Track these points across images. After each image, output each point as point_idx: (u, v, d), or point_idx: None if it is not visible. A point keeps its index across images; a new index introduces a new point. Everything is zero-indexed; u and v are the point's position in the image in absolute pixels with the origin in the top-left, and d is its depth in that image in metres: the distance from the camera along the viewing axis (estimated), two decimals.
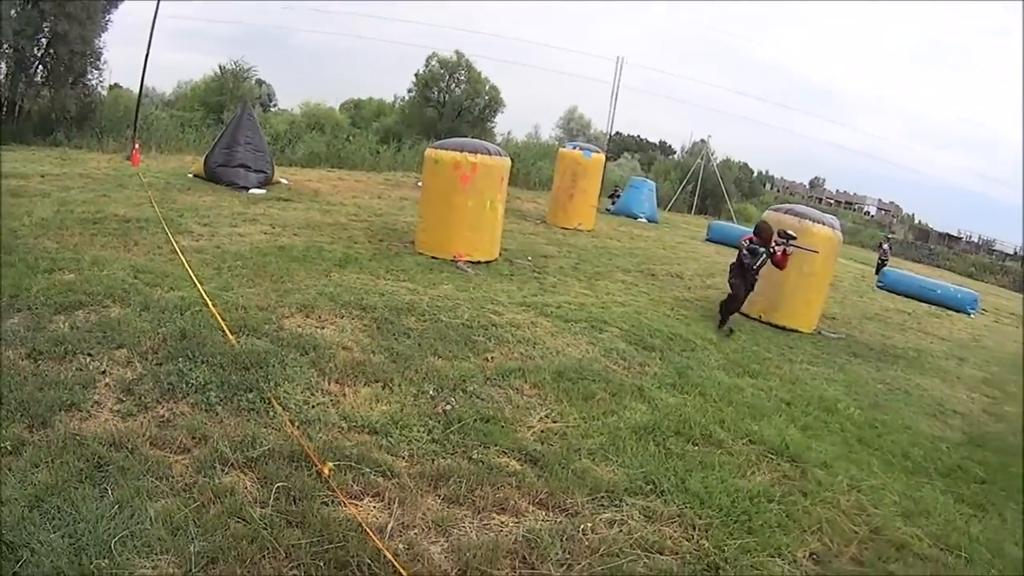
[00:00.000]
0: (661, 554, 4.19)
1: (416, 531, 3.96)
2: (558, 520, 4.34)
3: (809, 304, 11.74)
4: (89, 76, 24.23)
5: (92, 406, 4.69)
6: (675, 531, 4.47)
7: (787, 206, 12.67)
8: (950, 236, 67.19)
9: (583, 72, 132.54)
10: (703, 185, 40.97)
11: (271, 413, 4.96)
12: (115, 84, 31.39)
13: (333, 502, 4.03)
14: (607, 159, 26.88)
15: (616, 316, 9.55)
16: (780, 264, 10.40)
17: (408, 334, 7.12)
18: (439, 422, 5.30)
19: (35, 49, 22.32)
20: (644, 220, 27.18)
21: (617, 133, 70.31)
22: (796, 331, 11.41)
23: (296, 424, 4.84)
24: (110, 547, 3.34)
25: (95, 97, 24.83)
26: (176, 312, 6.51)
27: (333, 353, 6.22)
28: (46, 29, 21.91)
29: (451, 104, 41.10)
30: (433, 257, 11.36)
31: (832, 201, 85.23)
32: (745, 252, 10.20)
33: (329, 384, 5.63)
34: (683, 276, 15.10)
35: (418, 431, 5.09)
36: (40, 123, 22.47)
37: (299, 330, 6.65)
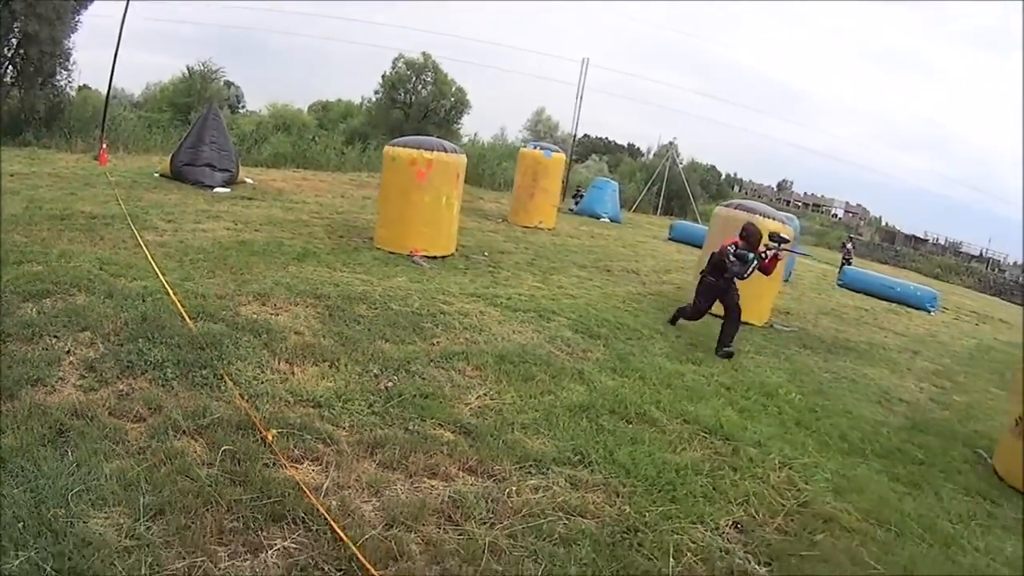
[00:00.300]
0: (582, 517, 4.52)
1: (350, 491, 4.30)
2: (485, 485, 4.69)
3: (760, 298, 12.03)
4: (58, 77, 24.36)
5: (56, 381, 5.00)
6: (598, 497, 4.81)
7: (737, 202, 13.15)
8: (916, 238, 68.26)
9: (551, 75, 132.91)
10: (668, 186, 41.53)
11: (223, 388, 5.30)
12: (84, 85, 31.57)
13: (274, 464, 4.38)
14: (574, 161, 27.28)
15: (565, 307, 9.93)
16: (769, 270, 9.88)
17: (359, 320, 7.47)
18: (380, 397, 5.66)
19: (5, 50, 22.48)
20: (607, 220, 27.57)
21: (585, 135, 71.00)
22: (747, 324, 11.59)
23: (245, 397, 5.19)
24: (67, 500, 3.65)
25: (64, 97, 24.92)
26: (138, 299, 6.80)
27: (285, 336, 6.56)
28: (16, 29, 22.04)
29: (417, 105, 41.62)
30: (390, 252, 11.68)
31: (800, 203, 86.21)
32: (732, 259, 9.40)
33: (279, 363, 5.98)
34: (639, 272, 15.47)
35: (359, 405, 5.45)
36: (9, 123, 22.33)
37: (254, 316, 6.98)
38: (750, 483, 5.53)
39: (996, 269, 59.28)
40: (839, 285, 23.30)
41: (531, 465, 5.07)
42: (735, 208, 12.26)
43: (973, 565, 5.08)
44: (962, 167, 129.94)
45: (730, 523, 4.87)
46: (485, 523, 4.26)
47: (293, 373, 5.87)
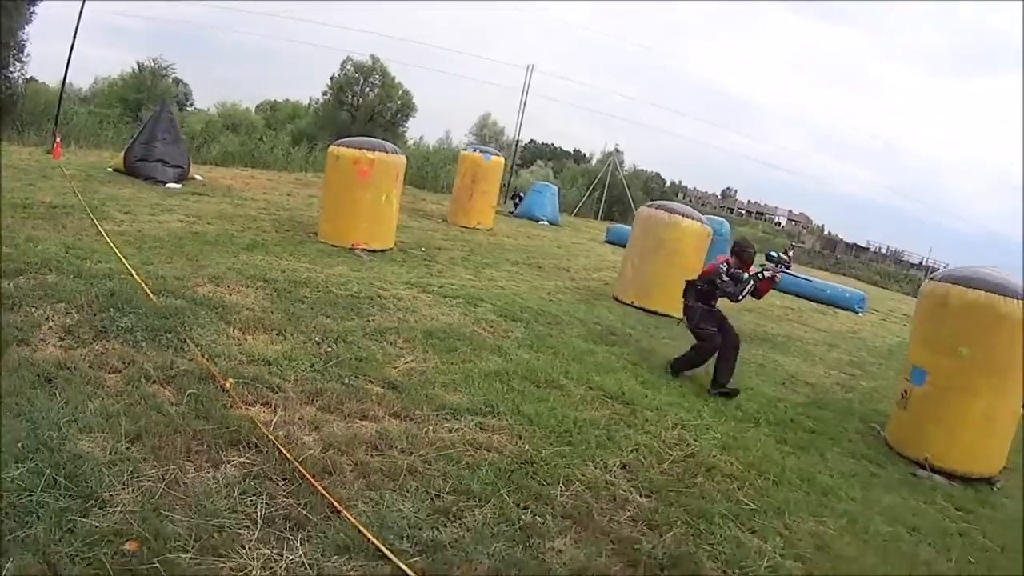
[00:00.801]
0: (487, 451, 5.45)
1: (294, 427, 5.20)
2: (406, 425, 5.61)
3: (680, 291, 13.07)
4: (11, 69, 24.68)
5: (39, 342, 5.77)
6: (503, 438, 5.74)
7: (659, 203, 14.27)
8: (858, 246, 70.45)
9: (498, 80, 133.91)
10: (610, 192, 42.73)
11: (186, 349, 6.14)
12: (31, 78, 31.73)
13: (232, 406, 5.25)
14: (518, 166, 28.11)
15: (493, 295, 10.87)
16: (761, 293, 9.09)
17: (303, 301, 8.33)
18: (321, 359, 6.57)
19: None
20: (545, 223, 28.54)
21: (531, 141, 72.08)
22: (668, 316, 12.38)
23: (205, 356, 6.05)
24: (59, 427, 4.45)
25: (16, 90, 25.26)
26: (105, 279, 7.53)
27: (238, 311, 7.41)
28: None
29: (364, 108, 42.32)
30: (333, 245, 12.54)
31: (743, 212, 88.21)
32: (725, 278, 8.65)
33: (233, 331, 6.83)
34: (570, 269, 16.53)
35: (303, 364, 6.35)
36: None
37: (210, 295, 7.79)
38: (642, 437, 6.42)
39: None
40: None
41: (447, 412, 6.01)
42: (656, 208, 13.35)
43: (846, 511, 5.91)
44: (905, 179, 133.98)
45: (619, 464, 5.77)
46: (405, 452, 5.16)
47: (246, 339, 6.74)
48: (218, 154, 28.63)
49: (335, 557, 3.77)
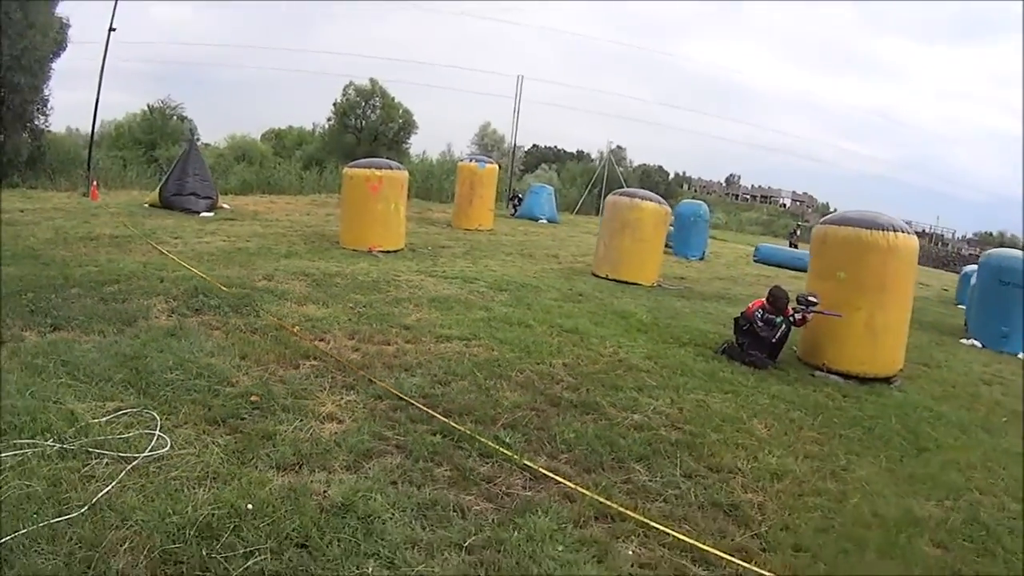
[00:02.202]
0: (469, 356, 8.24)
1: (342, 349, 8.05)
2: (415, 346, 8.47)
3: (644, 264, 15.97)
4: (37, 121, 27.51)
5: (153, 318, 8.52)
6: (480, 350, 8.56)
7: (623, 189, 17.21)
8: None
9: (495, 91, 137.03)
10: (609, 187, 45.26)
11: (260, 315, 9.02)
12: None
13: (300, 340, 8.12)
14: (522, 171, 30.58)
15: (486, 276, 13.77)
16: (799, 325, 10.34)
17: (336, 285, 11.24)
18: (355, 316, 9.47)
19: None
20: (544, 221, 31.56)
21: (534, 146, 74.82)
22: (637, 284, 15.48)
23: (275, 317, 8.94)
24: (192, 353, 7.23)
25: (44, 141, 28.11)
26: (184, 280, 10.39)
27: (290, 294, 10.32)
28: (2, 80, 25.11)
29: (368, 129, 45.40)
30: (354, 249, 15.47)
31: (748, 196, 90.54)
32: (760, 324, 10.04)
33: (290, 304, 9.75)
34: (559, 256, 19.45)
35: (343, 319, 9.26)
36: None
37: (266, 286, 10.68)
38: (584, 351, 9.21)
39: (939, 244, 64.29)
40: (755, 261, 26.98)
41: (442, 338, 8.94)
42: (620, 195, 16.24)
43: (734, 390, 8.32)
44: (911, 152, 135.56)
45: (562, 364, 8.53)
46: (414, 357, 7.99)
47: (300, 308, 9.64)
48: (236, 184, 31.60)
49: (372, 400, 6.61)
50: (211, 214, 19.95)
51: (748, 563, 4.60)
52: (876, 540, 5.44)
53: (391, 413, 6.35)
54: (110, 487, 4.39)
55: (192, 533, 4.00)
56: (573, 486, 5.27)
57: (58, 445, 4.87)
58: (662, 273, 17.22)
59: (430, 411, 6.36)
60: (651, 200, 16.09)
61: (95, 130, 29.22)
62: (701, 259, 24.66)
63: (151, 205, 20.23)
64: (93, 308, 8.53)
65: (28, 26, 24.43)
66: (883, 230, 9.75)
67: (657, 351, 9.78)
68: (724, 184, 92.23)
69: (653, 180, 66.83)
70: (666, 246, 22.80)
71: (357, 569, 3.93)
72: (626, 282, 15.48)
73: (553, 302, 12.20)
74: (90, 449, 4.88)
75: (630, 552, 4.54)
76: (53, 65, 27.33)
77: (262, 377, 6.85)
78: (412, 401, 6.56)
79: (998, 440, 8.20)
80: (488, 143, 60.61)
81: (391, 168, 16.23)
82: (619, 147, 69.02)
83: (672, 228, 24.70)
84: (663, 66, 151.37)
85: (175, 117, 46.67)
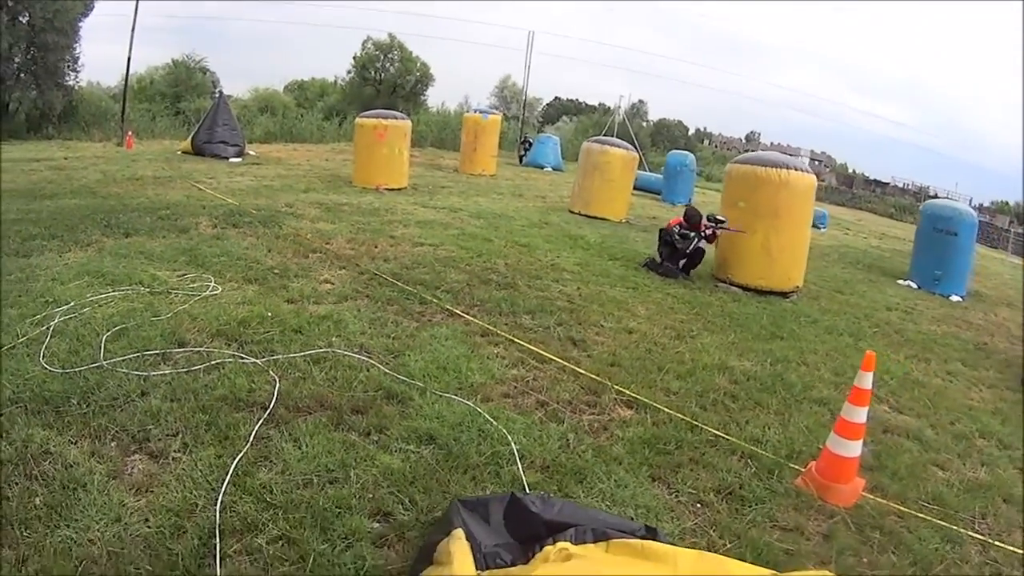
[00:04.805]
0: (434, 254, 11.15)
1: (341, 249, 11.10)
2: (395, 248, 11.47)
3: (612, 200, 18.84)
4: (68, 77, 30.56)
5: (202, 229, 11.55)
6: (444, 253, 11.34)
7: (597, 137, 20.29)
8: (878, 182, 74.89)
9: (517, 45, 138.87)
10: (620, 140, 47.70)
11: (282, 227, 12.10)
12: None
13: (311, 243, 11.18)
14: (541, 123, 32.68)
15: (471, 208, 16.92)
16: (711, 241, 12.53)
17: (343, 210, 14.40)
18: (355, 229, 12.57)
19: (27, 56, 28.55)
20: (549, 169, 34.44)
21: (556, 98, 77.31)
22: (605, 219, 18.31)
23: (293, 229, 12.04)
24: (237, 246, 10.28)
25: (75, 96, 31.23)
26: (221, 207, 13.48)
27: (306, 216, 13.46)
28: (35, 40, 28.12)
29: (387, 82, 48.41)
30: (363, 187, 18.64)
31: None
32: (677, 238, 12.29)
33: (305, 222, 12.87)
34: (546, 197, 22.40)
35: (345, 231, 12.37)
36: (29, 122, 28.66)
37: (288, 211, 13.79)
38: (528, 258, 12.09)
39: None
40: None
41: (417, 244, 12.01)
42: (593, 141, 19.40)
43: (636, 287, 10.93)
44: (933, 117, 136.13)
45: (503, 264, 11.36)
46: (394, 253, 10.98)
47: (313, 225, 12.75)
48: (260, 134, 34.68)
49: (357, 275, 9.69)
50: (239, 159, 23.11)
51: (566, 361, 7.30)
52: (678, 370, 7.49)
53: (367, 281, 9.37)
54: (185, 305, 7.52)
55: (235, 325, 7.10)
56: (471, 318, 8.33)
57: (147, 288, 7.99)
58: (637, 213, 20.29)
59: (393, 280, 9.47)
60: (620, 147, 19.13)
61: (126, 85, 32.22)
62: (687, 205, 26.57)
63: (184, 152, 23.38)
64: (153, 224, 11.42)
65: None
66: (776, 167, 11.73)
67: (588, 260, 12.60)
68: (744, 141, 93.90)
69: (673, 134, 69.22)
70: (656, 193, 25.86)
71: (328, 343, 6.96)
72: (596, 217, 18.28)
73: (519, 227, 15.14)
74: (169, 291, 8.00)
75: (493, 349, 7.50)
76: (81, 23, 30.50)
77: (282, 261, 9.90)
78: (382, 275, 9.66)
79: (857, 342, 9.80)
80: (508, 95, 63.35)
81: (396, 118, 19.48)
82: (640, 101, 71.40)
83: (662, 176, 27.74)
84: (689, 23, 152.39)
85: (199, 70, 49.41)
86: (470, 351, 7.18)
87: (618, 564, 3.30)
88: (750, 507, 4.95)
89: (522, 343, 7.63)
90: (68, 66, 30.31)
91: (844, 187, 70.12)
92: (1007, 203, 75.62)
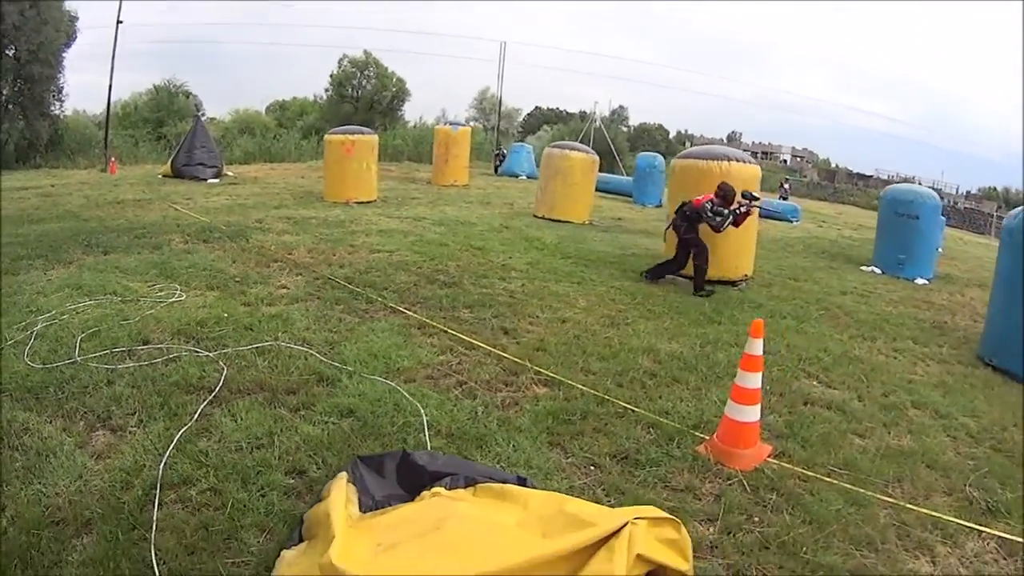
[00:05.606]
0: (390, 260, 12.15)
1: (304, 259, 12.01)
2: (355, 258, 12.27)
3: (575, 203, 19.60)
4: (53, 107, 31.74)
5: (174, 245, 12.34)
6: (400, 258, 12.23)
7: (558, 143, 21.10)
8: (861, 175, 75.89)
9: (494, 57, 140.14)
10: (596, 146, 48.75)
11: (249, 240, 12.97)
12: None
13: (274, 253, 12.13)
14: (522, 133, 33.48)
15: (436, 217, 17.79)
16: (739, 223, 11.59)
17: (311, 224, 15.27)
18: (318, 240, 13.42)
19: (14, 89, 29.74)
20: (524, 177, 35.25)
21: (536, 107, 78.52)
22: (568, 222, 19.06)
23: (258, 242, 12.94)
24: (201, 260, 11.19)
25: (60, 125, 32.28)
26: (194, 225, 14.33)
27: (274, 229, 14.35)
28: (20, 72, 29.27)
29: (364, 99, 49.56)
30: (334, 201, 19.54)
31: (749, 152, 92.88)
32: (709, 214, 11.29)
33: (271, 235, 13.74)
34: (514, 204, 23.18)
35: (308, 241, 13.21)
36: (18, 152, 29.61)
37: (257, 226, 14.67)
38: (480, 259, 12.75)
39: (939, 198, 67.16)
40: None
41: (375, 251, 12.75)
42: (554, 147, 20.24)
43: (583, 280, 11.53)
44: (916, 109, 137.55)
45: (456, 266, 12.11)
46: (354, 260, 11.78)
47: (278, 237, 13.61)
48: (239, 155, 35.81)
49: (313, 280, 10.47)
50: (217, 180, 24.14)
51: (493, 347, 7.87)
52: (602, 352, 7.93)
53: (321, 285, 10.21)
54: (152, 310, 8.43)
55: (194, 325, 7.95)
56: (411, 313, 9.17)
57: (119, 297, 8.90)
58: (602, 215, 21.16)
59: (345, 283, 10.32)
60: (580, 151, 19.98)
61: (108, 112, 33.34)
62: (658, 206, 27.22)
63: (164, 176, 24.35)
64: (130, 242, 12.30)
65: (43, 23, 28.68)
66: (717, 160, 12.09)
67: (540, 260, 13.20)
68: (725, 141, 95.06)
69: (654, 138, 70.35)
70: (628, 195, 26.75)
71: (275, 338, 7.81)
72: (559, 220, 18.97)
73: (478, 232, 15.96)
74: (139, 299, 8.90)
75: (427, 339, 8.21)
76: (65, 54, 31.60)
77: (244, 270, 10.75)
78: (335, 279, 10.53)
79: (799, 324, 10.16)
80: (487, 107, 64.54)
81: (363, 133, 20.46)
82: (621, 107, 72.62)
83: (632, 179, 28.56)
84: (668, 26, 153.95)
85: (181, 95, 50.46)
86: (403, 341, 7.89)
87: (478, 504, 3.96)
88: (643, 469, 5.28)
89: (454, 332, 8.33)
90: (53, 96, 31.59)
91: (826, 182, 71.31)
92: (995, 189, 76.80)
